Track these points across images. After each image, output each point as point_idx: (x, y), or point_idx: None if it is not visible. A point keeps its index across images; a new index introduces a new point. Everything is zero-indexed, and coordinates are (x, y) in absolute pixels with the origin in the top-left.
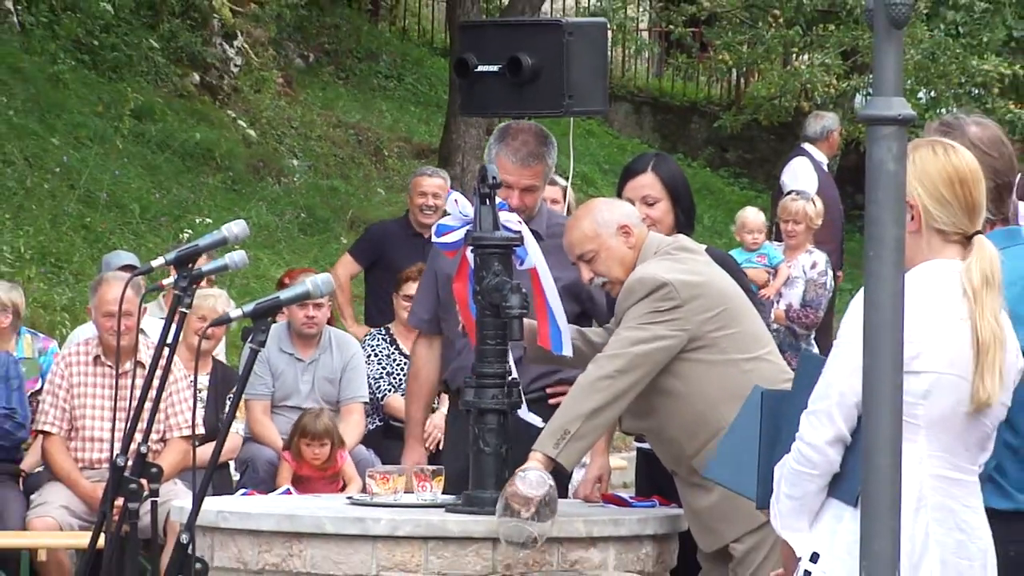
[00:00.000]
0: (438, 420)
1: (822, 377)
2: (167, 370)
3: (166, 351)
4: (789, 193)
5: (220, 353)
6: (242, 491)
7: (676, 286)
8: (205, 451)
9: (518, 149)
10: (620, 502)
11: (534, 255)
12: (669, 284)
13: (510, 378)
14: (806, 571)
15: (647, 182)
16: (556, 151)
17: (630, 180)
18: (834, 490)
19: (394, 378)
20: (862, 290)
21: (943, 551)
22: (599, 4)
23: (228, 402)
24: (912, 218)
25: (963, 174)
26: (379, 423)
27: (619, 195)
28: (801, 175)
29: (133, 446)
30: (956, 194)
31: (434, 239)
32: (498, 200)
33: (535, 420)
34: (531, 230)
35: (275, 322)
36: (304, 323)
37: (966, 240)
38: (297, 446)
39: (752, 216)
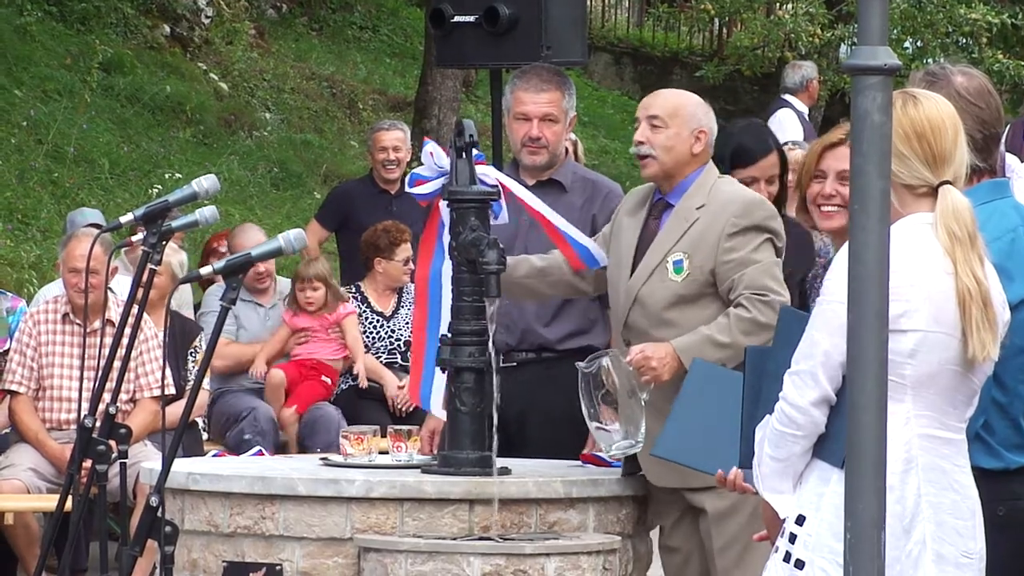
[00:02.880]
0: None
1: (806, 335)
2: (136, 329)
3: (135, 309)
4: (784, 144)
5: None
6: (213, 452)
7: None
8: (174, 410)
9: (531, 78)
10: (599, 463)
11: (522, 194)
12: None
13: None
14: (792, 534)
15: (774, 161)
16: (574, 93)
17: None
18: (820, 452)
19: (367, 337)
20: (846, 245)
21: (938, 512)
22: None
23: (190, 357)
24: None
25: (920, 127)
26: (352, 383)
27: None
28: (788, 126)
29: (101, 407)
30: (914, 148)
31: (407, 188)
32: (475, 152)
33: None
34: (555, 180)
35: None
36: (255, 283)
37: (935, 192)
38: (294, 296)
39: None
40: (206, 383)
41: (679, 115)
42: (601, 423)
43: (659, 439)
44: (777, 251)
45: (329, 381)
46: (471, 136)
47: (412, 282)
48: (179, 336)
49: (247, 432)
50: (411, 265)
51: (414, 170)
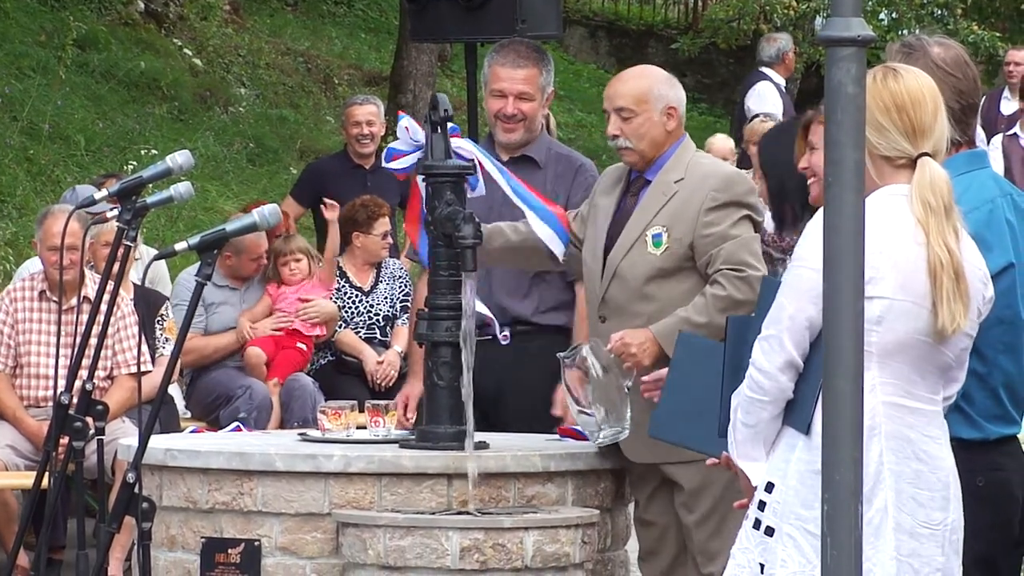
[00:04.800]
0: (392, 357)
1: (775, 301)
2: (112, 305)
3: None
4: (756, 117)
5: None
6: (191, 428)
7: None
8: (149, 379)
9: (508, 54)
10: (578, 436)
11: (494, 173)
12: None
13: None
14: (760, 501)
15: None
16: (552, 69)
17: None
18: (788, 418)
19: (345, 312)
20: (817, 213)
21: (899, 480)
22: None
23: (157, 325)
24: None
25: (900, 99)
26: (331, 358)
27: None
28: (769, 99)
29: (78, 383)
30: (893, 120)
31: (384, 163)
32: (450, 125)
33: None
34: (528, 156)
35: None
36: (254, 272)
37: (914, 164)
38: (277, 272)
39: (721, 142)
40: (166, 350)
41: (646, 100)
42: (586, 412)
43: (652, 419)
44: (755, 226)
45: (304, 347)
46: (446, 110)
47: (390, 256)
48: (142, 306)
49: (243, 410)
50: (389, 239)
51: (390, 144)
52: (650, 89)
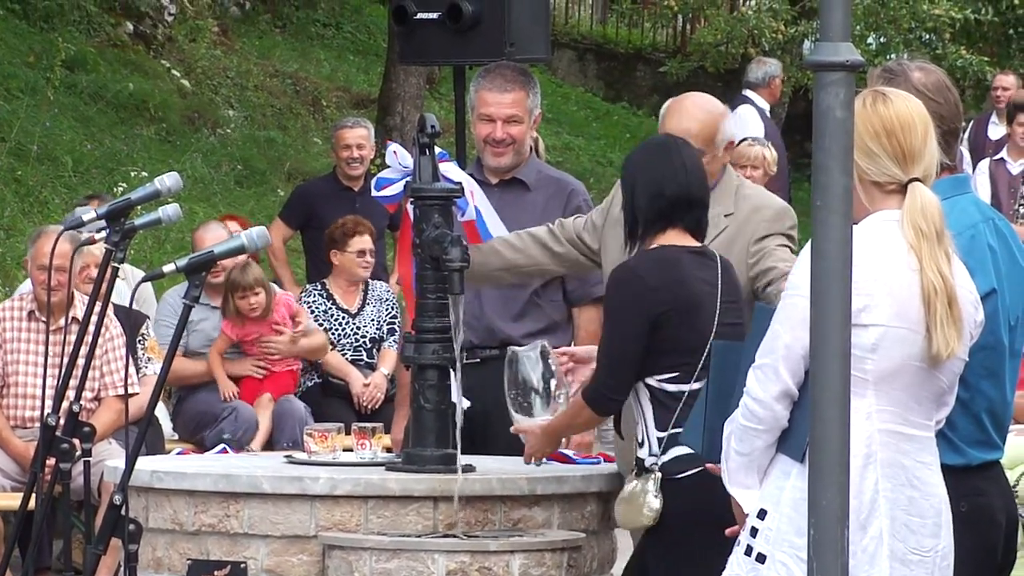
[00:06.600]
0: (378, 380)
1: (770, 330)
2: (99, 327)
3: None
4: (744, 140)
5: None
6: (177, 451)
7: None
8: (135, 401)
9: (495, 79)
10: (564, 459)
11: (480, 202)
12: None
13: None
14: (753, 528)
15: None
16: (539, 91)
17: None
18: (782, 446)
19: (332, 334)
20: (809, 242)
21: (893, 507)
22: None
23: (139, 345)
24: None
25: (890, 124)
26: (317, 380)
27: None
28: (749, 122)
29: (65, 404)
30: (883, 145)
31: (374, 193)
32: (438, 150)
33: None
34: (518, 179)
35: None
36: (212, 273)
37: (904, 189)
38: (233, 306)
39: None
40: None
41: (715, 139)
42: (524, 404)
43: (685, 427)
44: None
45: (294, 368)
46: (433, 127)
47: (377, 279)
48: (125, 327)
49: (227, 431)
50: (368, 257)
51: (379, 174)
52: (722, 127)
